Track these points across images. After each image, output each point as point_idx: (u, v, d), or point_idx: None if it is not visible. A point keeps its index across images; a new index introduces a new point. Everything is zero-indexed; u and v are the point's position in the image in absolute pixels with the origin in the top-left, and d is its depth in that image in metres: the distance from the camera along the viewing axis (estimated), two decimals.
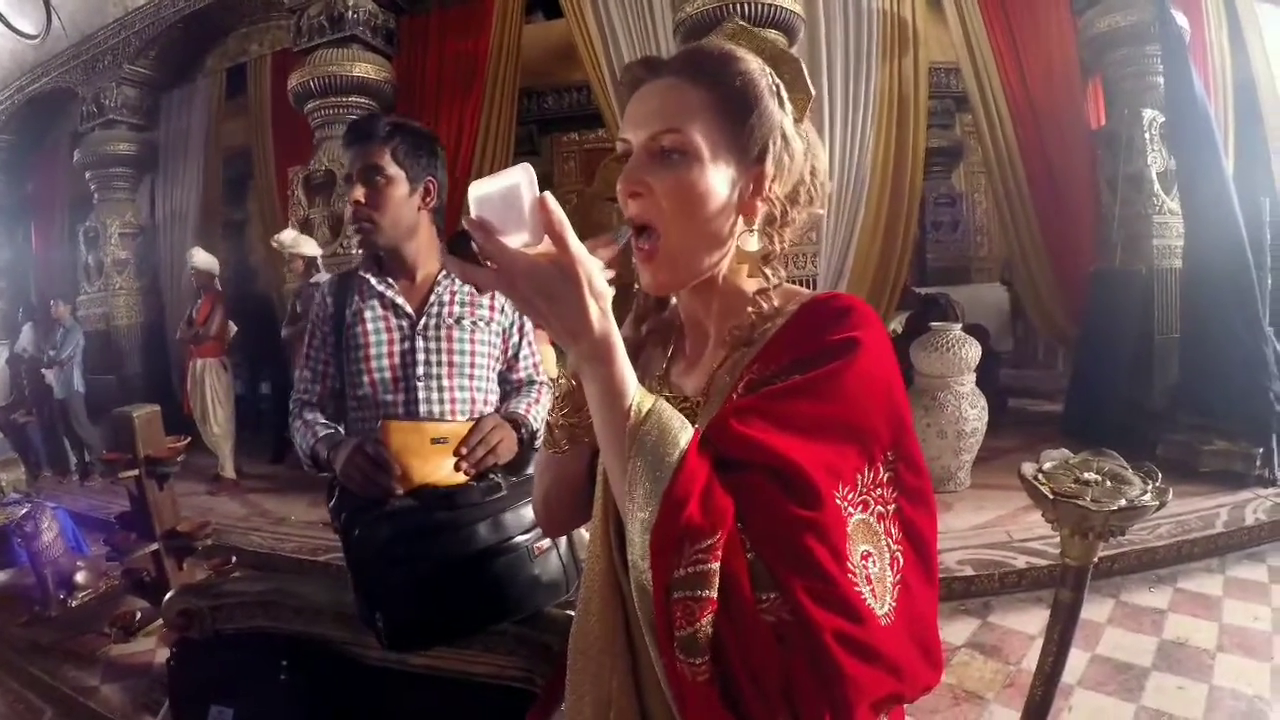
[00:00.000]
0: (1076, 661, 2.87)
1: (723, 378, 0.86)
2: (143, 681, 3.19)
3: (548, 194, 0.67)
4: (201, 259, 6.15)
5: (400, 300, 1.81)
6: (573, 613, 0.93)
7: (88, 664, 3.39)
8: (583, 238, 0.70)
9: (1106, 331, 5.50)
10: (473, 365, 1.82)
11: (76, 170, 8.20)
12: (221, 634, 2.00)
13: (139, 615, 3.58)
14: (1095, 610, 3.33)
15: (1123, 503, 1.69)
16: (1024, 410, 6.73)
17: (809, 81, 0.91)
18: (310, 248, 5.41)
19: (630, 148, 0.84)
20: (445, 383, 1.79)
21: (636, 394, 0.73)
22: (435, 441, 1.67)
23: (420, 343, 1.79)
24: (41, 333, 7.45)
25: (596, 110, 6.27)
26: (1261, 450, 4.52)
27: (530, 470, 1.76)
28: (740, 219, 0.86)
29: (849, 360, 0.76)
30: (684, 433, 0.72)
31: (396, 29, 6.45)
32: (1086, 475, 1.80)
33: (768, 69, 0.86)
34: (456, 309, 1.82)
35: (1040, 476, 1.84)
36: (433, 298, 1.81)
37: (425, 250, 1.83)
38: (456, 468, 1.66)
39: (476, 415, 1.79)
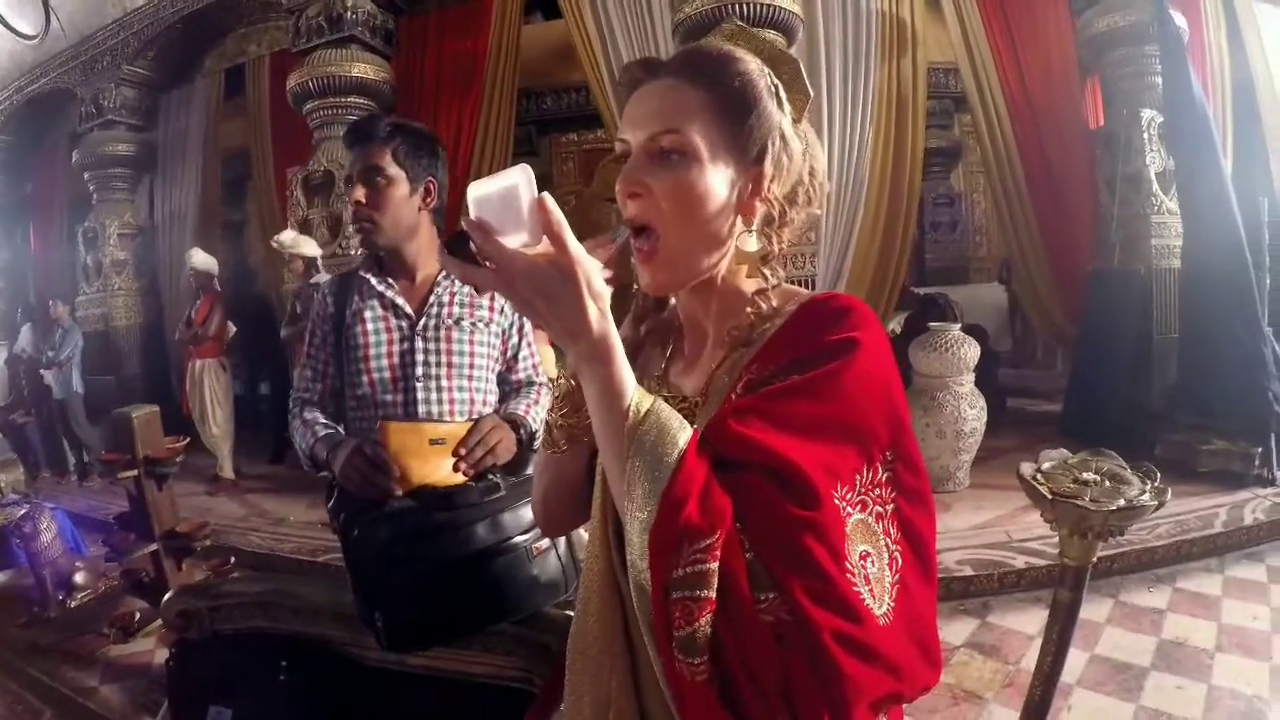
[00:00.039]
0: (1075, 661, 2.87)
1: (721, 378, 0.86)
2: (142, 682, 3.19)
3: (546, 194, 0.67)
4: (200, 260, 6.15)
5: (400, 300, 1.81)
6: (571, 613, 0.93)
7: (87, 665, 3.38)
8: (581, 238, 0.70)
9: (1105, 331, 5.50)
10: (472, 366, 1.83)
11: (75, 171, 8.20)
12: (220, 634, 2.00)
13: (138, 616, 3.57)
14: (1094, 610, 3.34)
15: (1121, 503, 1.69)
16: (1023, 410, 6.74)
17: (807, 82, 0.91)
18: (310, 248, 5.41)
19: (629, 148, 0.84)
20: (444, 383, 1.79)
21: (635, 394, 0.73)
22: (434, 442, 1.67)
23: (419, 343, 1.79)
24: (40, 333, 7.44)
25: (595, 111, 6.27)
26: (1260, 450, 4.52)
27: (529, 471, 1.76)
28: (739, 219, 0.86)
29: (847, 360, 0.76)
30: (682, 433, 0.72)
31: (395, 29, 6.45)
32: (1085, 475, 1.80)
33: (766, 69, 0.87)
34: (456, 310, 1.82)
35: (1039, 476, 1.84)
36: (432, 298, 1.81)
37: (425, 251, 1.84)
38: (455, 468, 1.66)
39: (475, 416, 1.79)
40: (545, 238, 0.68)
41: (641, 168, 0.82)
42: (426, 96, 6.41)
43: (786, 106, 0.87)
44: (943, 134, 9.69)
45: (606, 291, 0.71)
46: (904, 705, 0.84)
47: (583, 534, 0.97)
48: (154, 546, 3.61)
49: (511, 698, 1.66)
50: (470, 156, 6.17)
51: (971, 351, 4.73)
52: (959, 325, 5.06)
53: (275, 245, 5.60)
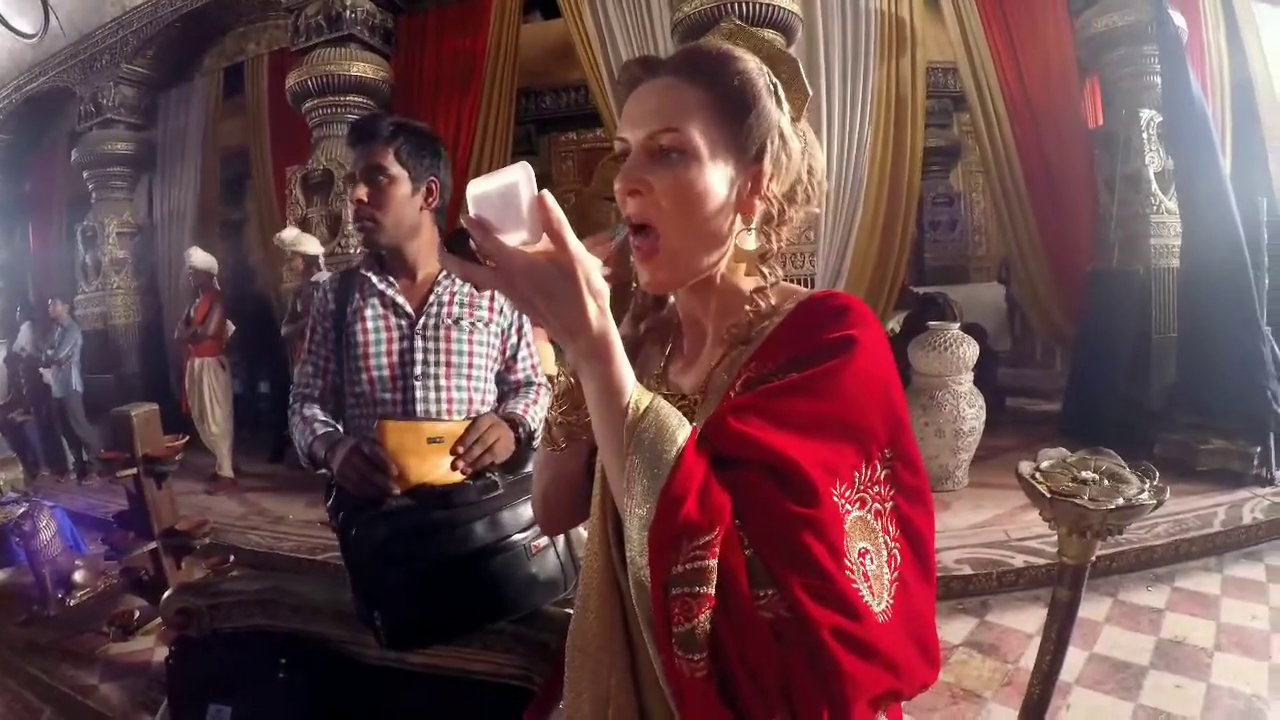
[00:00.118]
0: (1074, 660, 2.87)
1: (720, 376, 0.86)
2: (141, 680, 3.19)
3: (546, 192, 0.67)
4: (199, 258, 6.15)
5: (400, 299, 1.81)
6: (570, 610, 0.93)
7: (86, 663, 3.38)
8: (581, 237, 0.70)
9: (1104, 331, 5.50)
10: (470, 365, 1.83)
11: (74, 170, 8.19)
12: (220, 632, 2.01)
13: (137, 614, 3.57)
14: (1093, 609, 3.34)
15: (1120, 501, 1.69)
16: (1022, 409, 6.74)
17: (806, 81, 0.91)
18: (311, 246, 5.41)
19: (628, 147, 0.84)
20: (442, 382, 1.80)
21: (634, 392, 0.73)
22: (432, 441, 1.67)
23: (419, 342, 1.79)
24: (39, 332, 7.43)
25: (594, 110, 6.27)
26: (1259, 449, 4.52)
27: (527, 469, 1.76)
28: (738, 217, 0.86)
29: (846, 359, 0.76)
30: (681, 430, 0.72)
31: (394, 28, 6.45)
32: (1084, 474, 1.80)
33: (765, 68, 0.87)
34: (455, 309, 1.82)
35: (1038, 475, 1.85)
36: (432, 298, 1.82)
37: (426, 250, 1.84)
38: (453, 467, 1.66)
39: (473, 415, 1.79)
40: (545, 235, 0.68)
41: (641, 166, 0.82)
42: (425, 95, 6.41)
43: (785, 105, 0.87)
44: (942, 133, 9.69)
45: (605, 289, 0.71)
46: (903, 703, 0.84)
47: (581, 532, 0.97)
48: (153, 545, 3.62)
49: (510, 695, 1.67)
50: (469, 155, 6.16)
51: (970, 351, 4.73)
52: (958, 324, 5.06)
53: (277, 243, 5.60)
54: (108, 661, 3.38)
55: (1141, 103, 5.42)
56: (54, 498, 5.25)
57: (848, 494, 0.74)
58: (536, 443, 1.76)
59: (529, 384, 1.95)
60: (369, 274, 1.83)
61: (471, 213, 0.67)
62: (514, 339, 1.93)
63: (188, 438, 4.03)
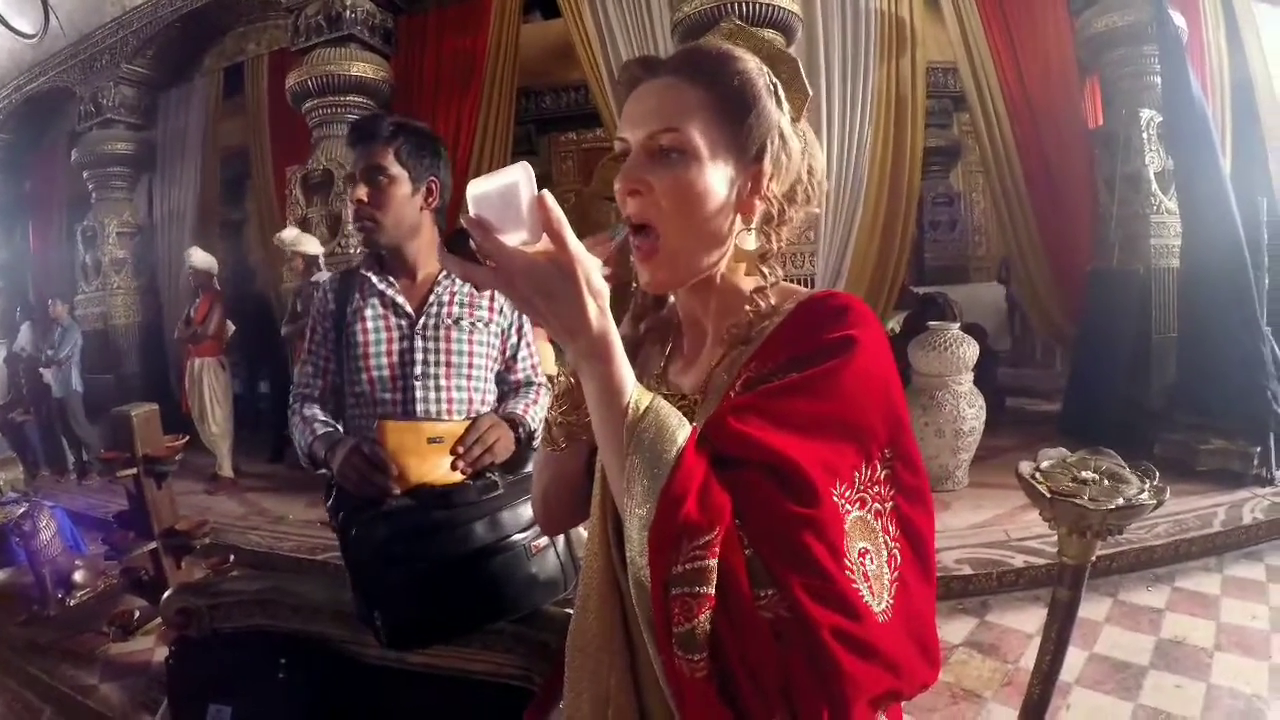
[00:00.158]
0: (1074, 660, 2.87)
1: (720, 376, 0.86)
2: (141, 680, 3.19)
3: (546, 192, 0.67)
4: (199, 258, 6.15)
5: (400, 299, 1.81)
6: (570, 610, 0.93)
7: (86, 663, 3.38)
8: (581, 237, 0.70)
9: (1104, 331, 5.50)
10: (470, 366, 1.83)
11: (74, 169, 8.19)
12: (220, 632, 2.01)
13: (137, 614, 3.57)
14: (1093, 609, 3.34)
15: (1120, 501, 1.70)
16: (1022, 409, 6.74)
17: (806, 81, 0.91)
18: (312, 246, 5.41)
19: (628, 146, 0.84)
20: (442, 382, 1.80)
21: (634, 391, 0.73)
22: (432, 441, 1.67)
23: (419, 342, 1.79)
24: (39, 332, 7.43)
25: (594, 110, 6.28)
26: (1259, 449, 4.52)
27: (527, 469, 1.76)
28: (738, 217, 0.86)
29: (846, 358, 0.76)
30: (681, 430, 0.72)
31: (394, 28, 6.45)
32: (1084, 474, 1.80)
33: (765, 68, 0.87)
34: (455, 309, 1.82)
35: (1038, 475, 1.85)
36: (432, 298, 1.82)
37: (426, 250, 1.84)
38: (453, 467, 1.66)
39: (473, 415, 1.79)
40: (545, 235, 0.68)
41: (641, 166, 0.82)
42: (425, 95, 6.41)
43: (785, 105, 0.87)
44: (942, 133, 9.69)
45: (605, 289, 0.71)
46: (903, 703, 0.84)
47: (581, 532, 0.97)
48: (153, 545, 3.61)
49: (510, 695, 1.67)
50: (469, 155, 6.16)
51: (970, 351, 4.73)
52: (958, 324, 5.06)
53: (277, 243, 5.60)
54: (108, 661, 3.38)
55: (1141, 103, 5.42)
56: (54, 498, 5.25)
57: (848, 494, 0.74)
58: (536, 443, 1.76)
59: (529, 384, 1.95)
60: (369, 274, 1.84)
61: (471, 212, 0.67)
62: (514, 339, 1.93)
63: (188, 438, 4.03)
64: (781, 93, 0.87)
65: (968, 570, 3.67)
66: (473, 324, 1.83)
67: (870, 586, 0.72)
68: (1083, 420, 5.48)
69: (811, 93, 0.92)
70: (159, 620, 3.32)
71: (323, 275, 5.01)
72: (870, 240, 5.50)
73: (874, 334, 0.79)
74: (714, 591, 0.67)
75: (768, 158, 0.85)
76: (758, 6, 4.59)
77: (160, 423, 3.73)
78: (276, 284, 6.81)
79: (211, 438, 6.19)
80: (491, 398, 1.89)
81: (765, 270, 0.87)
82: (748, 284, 0.89)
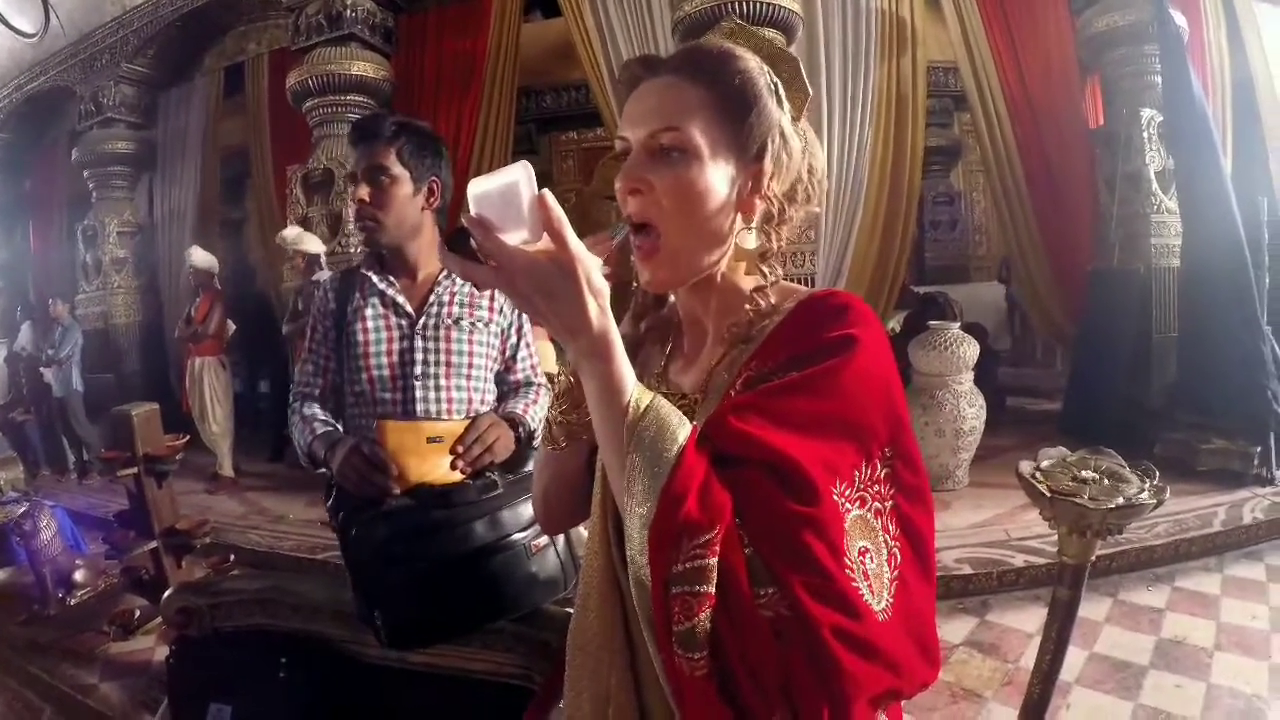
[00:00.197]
0: (1074, 660, 2.87)
1: (721, 375, 0.86)
2: (141, 679, 3.19)
3: (546, 191, 0.67)
4: (200, 258, 6.15)
5: (401, 299, 1.81)
6: (571, 609, 0.93)
7: (86, 662, 3.38)
8: (581, 236, 0.70)
9: (1105, 330, 5.51)
10: (470, 366, 1.83)
11: (75, 169, 8.19)
12: (220, 632, 2.01)
13: (138, 613, 3.57)
14: (1093, 609, 3.34)
15: (1120, 501, 1.69)
16: (1022, 409, 6.74)
17: (806, 80, 0.91)
18: (313, 245, 5.41)
19: (629, 145, 0.84)
20: (442, 382, 1.80)
21: (635, 390, 0.73)
22: (431, 440, 1.67)
23: (419, 342, 1.80)
24: (40, 331, 7.44)
25: (595, 109, 6.27)
26: (1259, 449, 4.52)
27: (527, 468, 1.76)
28: (739, 216, 0.86)
29: (846, 357, 0.76)
30: (682, 429, 0.72)
31: (395, 27, 6.46)
32: (1084, 473, 1.80)
33: (766, 68, 0.87)
34: (456, 309, 1.83)
35: (1038, 475, 1.85)
36: (432, 297, 1.82)
37: (427, 250, 1.84)
38: (453, 466, 1.66)
39: (473, 415, 1.79)
40: (545, 234, 0.68)
41: (642, 164, 0.82)
42: (426, 94, 6.42)
43: (786, 104, 0.87)
44: (942, 133, 9.69)
45: (606, 288, 0.71)
46: (903, 702, 0.84)
47: (581, 531, 0.97)
48: (154, 544, 3.62)
49: (511, 694, 1.67)
50: (470, 154, 6.17)
51: (971, 350, 4.73)
52: (958, 324, 5.06)
53: (279, 242, 5.60)
54: (108, 661, 3.38)
55: (1142, 102, 5.42)
56: (54, 497, 5.25)
57: (848, 493, 0.74)
58: (536, 442, 1.76)
59: (528, 384, 1.95)
60: (369, 273, 1.84)
61: (472, 212, 0.67)
62: (514, 339, 1.93)
63: (188, 437, 4.02)
64: (782, 92, 0.87)
65: (968, 569, 3.67)
66: (473, 324, 1.84)
67: (870, 585, 0.72)
68: (1083, 420, 5.48)
69: (812, 92, 0.92)
70: (159, 619, 3.32)
71: (324, 274, 5.01)
72: (871, 239, 5.51)
73: (874, 333, 0.79)
74: (714, 590, 0.67)
75: (768, 157, 0.85)
76: (758, 5, 4.59)
77: (161, 422, 3.73)
78: (277, 283, 6.82)
79: (212, 437, 6.20)
80: (491, 398, 1.89)
81: (765, 269, 0.87)
82: (748, 283, 0.89)
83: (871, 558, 0.74)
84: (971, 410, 4.70)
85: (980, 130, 6.15)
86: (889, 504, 0.78)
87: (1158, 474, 1.79)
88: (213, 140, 7.97)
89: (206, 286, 6.19)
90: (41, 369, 7.06)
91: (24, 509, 4.05)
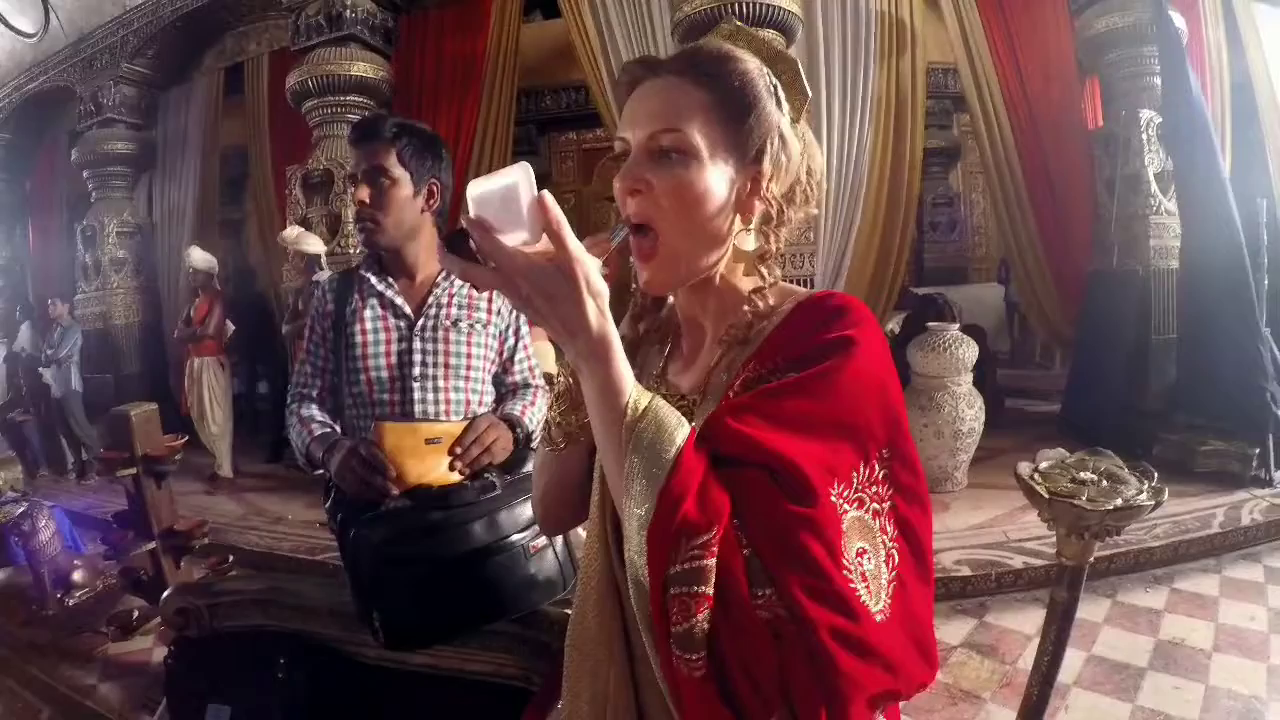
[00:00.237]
0: (1073, 661, 2.88)
1: (719, 376, 0.87)
2: (140, 680, 3.19)
3: (546, 193, 0.67)
4: (199, 258, 6.15)
5: (399, 300, 1.82)
6: (569, 610, 0.93)
7: (85, 663, 3.38)
8: (581, 237, 0.71)
9: (1103, 332, 5.51)
10: (468, 367, 1.83)
11: (74, 169, 8.18)
12: (219, 632, 2.00)
13: (136, 614, 3.57)
14: (1092, 610, 3.35)
15: (1118, 502, 1.70)
16: (1021, 410, 6.74)
17: (806, 82, 0.91)
18: (314, 245, 5.40)
19: (628, 146, 0.84)
20: (441, 383, 1.80)
21: (633, 392, 0.73)
22: (430, 442, 1.67)
23: (417, 343, 1.80)
24: (39, 331, 7.44)
25: (594, 110, 6.28)
26: (1258, 451, 4.53)
27: (525, 469, 1.77)
28: (737, 218, 0.86)
29: (844, 359, 0.76)
30: (680, 430, 0.72)
31: (395, 28, 6.45)
32: (1083, 475, 1.81)
33: (765, 69, 0.87)
34: (454, 311, 1.83)
35: (1036, 476, 1.85)
36: (431, 299, 1.82)
37: (426, 252, 1.85)
38: (451, 467, 1.66)
39: (471, 416, 1.79)
40: (544, 236, 0.68)
41: (641, 165, 0.82)
42: (426, 95, 6.42)
43: (785, 106, 0.87)
44: (941, 134, 9.71)
45: (605, 290, 0.71)
46: (901, 704, 0.84)
47: (580, 532, 0.98)
48: (152, 545, 3.61)
49: (509, 695, 1.67)
50: (469, 155, 6.17)
51: (969, 352, 4.74)
52: (957, 325, 5.06)
53: (280, 242, 5.60)
54: (107, 661, 3.39)
55: (1141, 103, 5.41)
56: (53, 497, 5.27)
57: (845, 494, 0.74)
58: (534, 444, 1.76)
59: (526, 386, 1.95)
60: (368, 275, 1.84)
61: (472, 213, 0.67)
62: (511, 341, 1.94)
63: (187, 437, 4.01)
64: (781, 94, 0.87)
65: (967, 571, 3.67)
66: (471, 325, 1.84)
67: (868, 586, 0.72)
68: (1082, 421, 5.49)
69: (811, 94, 0.92)
70: (158, 620, 3.32)
71: (324, 274, 5.01)
72: (870, 241, 5.51)
73: (872, 334, 0.80)
74: (712, 591, 0.67)
75: (767, 159, 0.85)
76: (758, 7, 4.59)
77: (159, 422, 3.72)
78: (276, 283, 6.82)
79: (211, 437, 6.20)
80: (489, 399, 1.90)
81: (764, 271, 0.88)
82: (746, 284, 0.89)
83: (869, 559, 0.74)
84: (970, 412, 4.70)
85: (979, 132, 6.15)
86: (887, 505, 0.78)
87: (1156, 475, 1.80)
88: (212, 140, 7.96)
89: (206, 287, 6.19)
90: (40, 369, 7.04)
91: (23, 509, 4.05)
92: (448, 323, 1.82)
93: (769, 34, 4.41)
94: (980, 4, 5.82)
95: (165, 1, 7.23)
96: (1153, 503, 1.72)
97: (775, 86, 0.87)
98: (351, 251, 5.63)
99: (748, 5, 4.57)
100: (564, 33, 6.02)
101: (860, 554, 0.73)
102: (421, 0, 6.53)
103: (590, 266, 0.69)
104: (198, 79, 7.92)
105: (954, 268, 10.33)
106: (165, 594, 2.12)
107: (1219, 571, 3.74)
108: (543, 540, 1.68)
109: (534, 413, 1.85)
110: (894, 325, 6.18)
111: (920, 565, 0.80)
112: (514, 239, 0.68)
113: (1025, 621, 3.34)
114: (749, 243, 0.88)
